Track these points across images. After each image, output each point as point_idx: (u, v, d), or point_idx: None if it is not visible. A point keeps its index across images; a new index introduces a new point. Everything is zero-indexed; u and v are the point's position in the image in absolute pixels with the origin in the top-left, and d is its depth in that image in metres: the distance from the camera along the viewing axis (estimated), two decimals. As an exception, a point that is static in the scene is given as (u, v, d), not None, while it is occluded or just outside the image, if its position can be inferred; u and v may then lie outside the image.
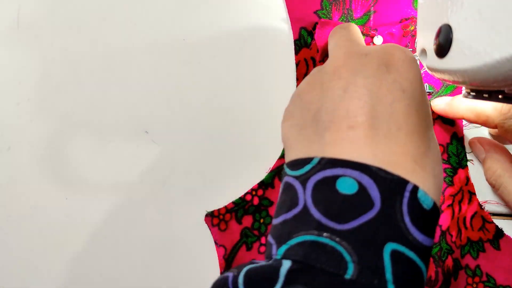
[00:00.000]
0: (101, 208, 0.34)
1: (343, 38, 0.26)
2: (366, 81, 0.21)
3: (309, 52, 0.33)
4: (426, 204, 0.19)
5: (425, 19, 0.25)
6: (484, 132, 0.34)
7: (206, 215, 0.32)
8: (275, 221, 0.21)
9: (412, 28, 0.32)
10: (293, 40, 0.33)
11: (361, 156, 0.19)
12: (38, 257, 0.34)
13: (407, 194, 0.19)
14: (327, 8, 0.33)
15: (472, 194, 0.34)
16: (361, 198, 0.18)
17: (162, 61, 0.34)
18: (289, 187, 0.21)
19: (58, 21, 0.34)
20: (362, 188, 0.19)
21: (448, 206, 0.33)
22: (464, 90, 0.26)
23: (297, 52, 0.33)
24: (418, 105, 0.21)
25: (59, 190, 0.34)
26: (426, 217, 0.19)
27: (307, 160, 0.21)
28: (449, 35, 0.21)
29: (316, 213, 0.19)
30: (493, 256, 0.33)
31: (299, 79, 0.33)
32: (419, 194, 0.19)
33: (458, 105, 0.31)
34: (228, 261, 0.32)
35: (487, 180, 0.31)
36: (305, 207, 0.19)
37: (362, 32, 0.32)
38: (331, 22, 0.32)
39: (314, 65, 0.33)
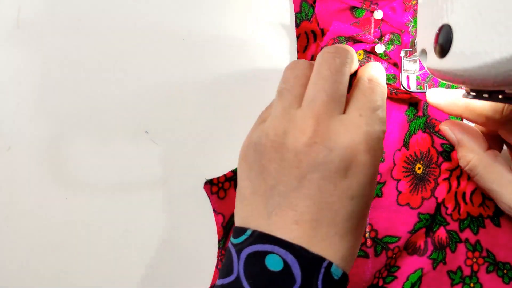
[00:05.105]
0: (101, 208, 0.34)
1: (326, 93, 0.24)
2: (321, 182, 0.23)
3: (309, 25, 0.33)
4: (336, 275, 0.22)
5: (425, 19, 0.25)
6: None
7: (205, 183, 0.32)
8: (217, 282, 0.24)
9: (414, 2, 0.32)
10: (294, 13, 0.33)
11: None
12: (38, 257, 0.34)
13: (322, 270, 0.22)
14: None
15: None
16: (285, 275, 0.22)
17: (162, 61, 0.34)
18: (228, 253, 0.24)
19: (58, 21, 0.34)
20: (286, 265, 0.22)
21: (444, 179, 0.33)
22: (464, 90, 0.26)
23: (297, 25, 0.33)
24: (361, 209, 0.24)
25: (59, 190, 0.34)
26: (335, 286, 0.22)
27: (243, 230, 0.23)
28: (449, 35, 0.21)
29: (247, 286, 0.22)
30: (493, 232, 0.33)
31: (299, 51, 0.33)
32: (332, 268, 0.22)
33: (456, 103, 0.30)
34: (226, 228, 0.33)
35: (462, 168, 0.31)
36: (237, 278, 0.22)
37: (362, 7, 0.32)
38: None
39: (315, 39, 0.33)
